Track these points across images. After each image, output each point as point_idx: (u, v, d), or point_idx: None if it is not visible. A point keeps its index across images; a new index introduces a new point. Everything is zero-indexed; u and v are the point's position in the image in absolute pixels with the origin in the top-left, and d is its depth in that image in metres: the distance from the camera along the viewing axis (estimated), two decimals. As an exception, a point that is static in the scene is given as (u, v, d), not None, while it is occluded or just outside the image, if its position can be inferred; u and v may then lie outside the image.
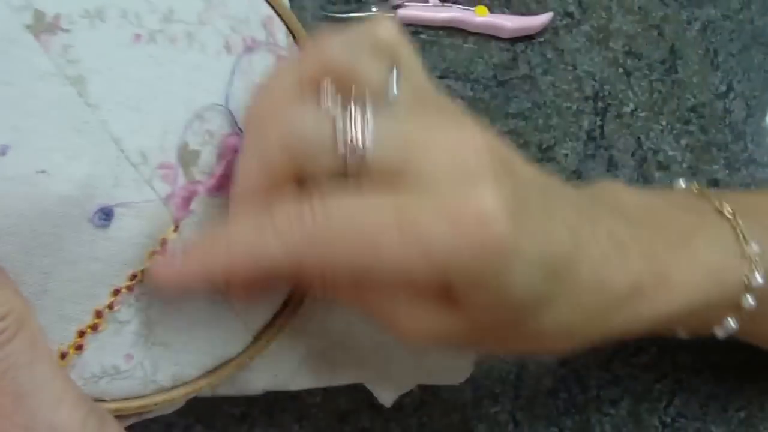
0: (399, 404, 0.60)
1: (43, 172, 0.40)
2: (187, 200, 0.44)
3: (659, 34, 0.68)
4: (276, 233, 0.40)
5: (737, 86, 0.68)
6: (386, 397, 0.55)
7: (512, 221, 0.39)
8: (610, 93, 0.67)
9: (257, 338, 0.47)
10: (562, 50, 0.67)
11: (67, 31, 0.41)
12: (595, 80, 0.67)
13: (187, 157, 0.44)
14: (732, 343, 0.60)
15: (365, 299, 0.43)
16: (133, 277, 0.43)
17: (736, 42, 0.69)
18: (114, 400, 0.44)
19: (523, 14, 0.67)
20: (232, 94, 0.45)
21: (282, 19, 0.48)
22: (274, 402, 0.60)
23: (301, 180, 0.42)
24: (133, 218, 0.42)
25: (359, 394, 0.56)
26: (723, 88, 0.68)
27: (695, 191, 0.54)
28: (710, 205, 0.52)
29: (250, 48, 0.46)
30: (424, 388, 0.59)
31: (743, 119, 0.68)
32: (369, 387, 0.54)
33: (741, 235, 0.50)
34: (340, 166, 0.41)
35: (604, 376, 0.64)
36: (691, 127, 0.67)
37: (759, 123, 0.68)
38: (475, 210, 0.39)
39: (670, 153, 0.67)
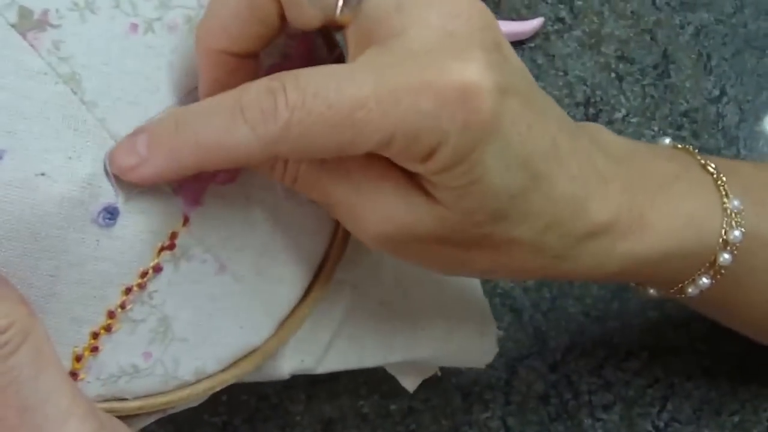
0: (386, 411, 0.61)
1: (42, 174, 0.39)
2: (198, 191, 0.43)
3: (652, 38, 0.68)
4: (248, 126, 0.37)
5: (730, 91, 0.68)
6: (409, 382, 0.54)
7: (498, 100, 0.37)
8: (601, 98, 0.67)
9: (281, 326, 0.46)
10: (553, 56, 0.67)
11: (56, 26, 0.40)
12: (587, 85, 0.67)
13: None
14: (725, 347, 0.62)
15: (330, 189, 0.41)
16: (144, 274, 0.42)
17: (729, 46, 0.69)
18: (136, 398, 0.43)
19: (513, 19, 0.66)
20: None
21: None
22: (256, 411, 0.60)
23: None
24: (140, 214, 0.41)
25: (344, 401, 0.56)
26: (716, 92, 0.68)
27: (679, 147, 0.52)
28: (694, 160, 0.50)
29: None
30: (411, 396, 0.58)
31: (736, 124, 0.67)
32: (391, 372, 0.53)
33: (723, 190, 0.48)
34: (330, 8, 0.38)
35: (596, 382, 0.64)
36: (684, 133, 0.67)
37: (752, 128, 0.67)
38: (462, 83, 0.37)
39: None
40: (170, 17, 0.42)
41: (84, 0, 0.41)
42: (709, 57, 0.68)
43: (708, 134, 0.67)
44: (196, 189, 0.42)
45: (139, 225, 0.41)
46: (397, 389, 0.55)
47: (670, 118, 0.66)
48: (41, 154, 0.39)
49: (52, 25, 0.40)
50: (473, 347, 0.54)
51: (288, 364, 0.48)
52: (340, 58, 0.44)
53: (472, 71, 0.37)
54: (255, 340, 0.45)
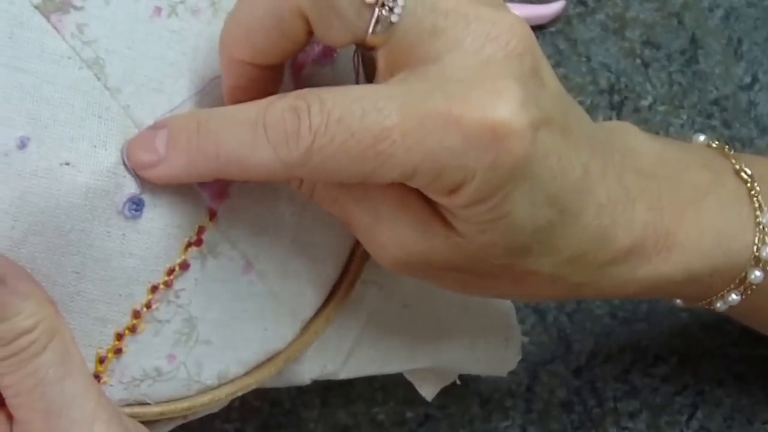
0: (402, 418, 0.61)
1: (67, 164, 0.39)
2: (224, 184, 0.42)
3: (679, 22, 0.66)
4: (271, 146, 0.37)
5: (763, 77, 0.66)
6: (427, 390, 0.54)
7: (530, 139, 0.36)
8: (626, 86, 0.65)
9: (305, 329, 0.45)
10: (575, 40, 0.65)
11: (79, 9, 0.39)
12: (611, 72, 0.65)
13: None
14: (758, 352, 0.61)
15: (347, 208, 0.41)
16: (171, 271, 0.41)
17: (761, 30, 0.67)
18: (158, 403, 0.43)
19: (533, 3, 0.65)
20: None
21: None
22: (270, 417, 0.59)
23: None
24: (165, 207, 0.41)
25: (359, 407, 0.55)
26: (747, 79, 0.66)
27: (714, 147, 0.51)
28: (729, 165, 0.49)
29: None
30: (428, 403, 0.58)
31: None
32: (410, 379, 0.53)
33: (757, 202, 0.47)
34: (361, 29, 0.37)
35: (622, 388, 0.63)
36: (714, 122, 0.65)
37: None
38: (492, 122, 0.36)
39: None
40: (194, 0, 0.42)
41: None
42: (739, 42, 0.66)
43: (740, 123, 0.65)
44: (221, 182, 0.42)
45: (165, 218, 0.41)
46: (413, 396, 0.54)
47: (699, 107, 0.65)
48: (66, 142, 0.39)
49: (75, 7, 0.39)
50: (497, 355, 0.53)
51: (310, 369, 0.47)
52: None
53: (505, 109, 0.36)
54: (279, 343, 0.45)
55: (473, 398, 0.61)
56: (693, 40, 0.66)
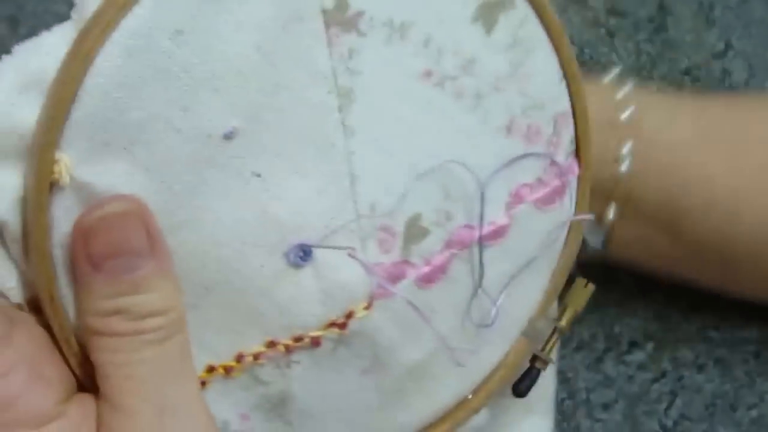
0: None
1: (258, 176, 0.38)
2: (394, 279, 0.40)
3: (646, -12, 0.64)
4: None
5: (737, 44, 0.64)
6: None
7: None
8: (591, 57, 0.63)
9: None
10: None
11: (362, 35, 0.38)
12: (574, 43, 0.63)
13: (414, 231, 0.41)
14: (739, 334, 0.60)
15: None
16: (299, 339, 0.39)
17: (735, -6, 0.65)
18: None
19: None
20: (492, 183, 0.42)
21: (575, 122, 0.44)
22: None
23: None
24: (329, 271, 0.39)
25: None
26: (720, 46, 0.64)
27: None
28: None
29: (530, 139, 0.43)
30: None
31: (744, 80, 0.64)
32: None
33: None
34: None
35: (594, 378, 0.61)
36: (686, 91, 0.63)
37: (762, 84, 0.64)
38: None
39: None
40: (464, 83, 0.41)
41: (401, 22, 0.39)
42: (711, 7, 0.64)
43: (713, 93, 0.63)
44: (394, 275, 0.40)
45: (323, 281, 0.39)
46: None
47: (669, 77, 0.63)
48: (269, 155, 0.38)
49: (359, 32, 0.38)
50: None
51: None
52: None
53: None
54: None
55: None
56: (661, 7, 0.64)
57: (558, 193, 0.44)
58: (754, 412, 0.61)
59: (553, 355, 0.46)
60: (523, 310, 0.45)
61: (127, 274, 0.36)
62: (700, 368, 0.61)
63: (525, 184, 0.43)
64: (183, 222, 0.37)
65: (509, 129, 0.42)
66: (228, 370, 0.39)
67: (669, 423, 0.60)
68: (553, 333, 0.46)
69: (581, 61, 0.62)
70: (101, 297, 0.36)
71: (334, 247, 0.39)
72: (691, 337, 0.61)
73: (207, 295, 0.38)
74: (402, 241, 0.40)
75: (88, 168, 0.36)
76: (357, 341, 0.40)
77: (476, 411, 0.45)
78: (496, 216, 0.42)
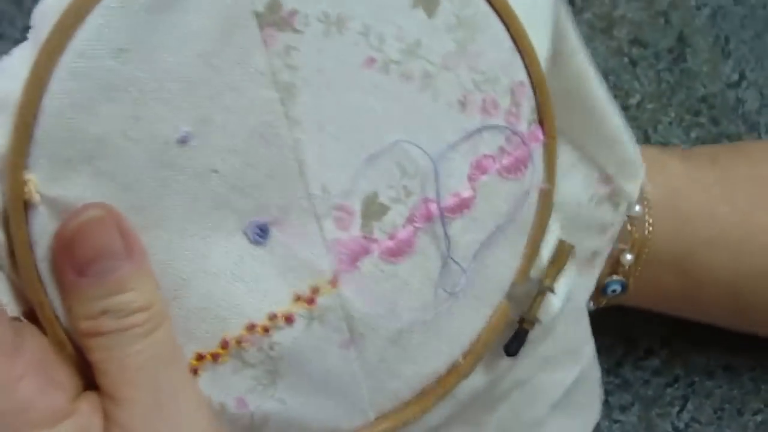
0: None
1: (216, 171, 0.39)
2: (356, 255, 0.41)
3: (666, 21, 0.65)
4: None
5: (750, 75, 0.66)
6: None
7: None
8: (614, 84, 0.65)
9: (379, 420, 0.44)
10: None
11: (298, 32, 0.39)
12: (599, 71, 0.63)
13: (372, 208, 0.41)
14: (747, 343, 0.60)
15: None
16: (273, 317, 0.40)
17: (749, 29, 0.66)
18: None
19: None
20: (447, 158, 0.42)
21: (534, 91, 0.44)
22: None
23: None
24: (287, 247, 0.40)
25: None
26: (735, 77, 0.66)
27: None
28: None
29: (487, 112, 0.43)
30: None
31: (757, 109, 0.65)
32: None
33: None
34: None
35: (613, 381, 0.62)
36: (702, 119, 0.65)
37: None
38: None
39: (680, 146, 0.65)
40: (409, 66, 0.41)
41: (337, 15, 0.40)
42: (727, 40, 0.66)
43: (727, 120, 0.65)
44: (355, 251, 0.41)
45: (282, 256, 0.40)
46: None
47: (687, 104, 0.65)
48: (223, 152, 0.39)
49: (294, 30, 0.39)
50: None
51: None
52: None
53: None
54: (344, 424, 0.44)
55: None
56: (680, 39, 0.65)
57: (523, 161, 0.44)
58: (759, 417, 0.62)
59: (542, 314, 0.46)
60: (502, 275, 0.45)
61: (110, 275, 0.37)
62: (710, 374, 0.62)
63: (487, 155, 0.43)
64: (152, 221, 0.38)
65: (463, 104, 0.42)
66: (215, 356, 0.40)
67: (681, 425, 0.62)
68: (538, 293, 0.45)
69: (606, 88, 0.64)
70: (89, 300, 0.37)
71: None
72: (702, 344, 0.62)
73: (185, 286, 0.39)
74: (361, 219, 0.41)
75: (55, 184, 0.37)
76: (330, 316, 0.41)
77: (466, 375, 0.45)
78: (459, 188, 0.42)
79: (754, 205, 0.53)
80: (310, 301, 0.41)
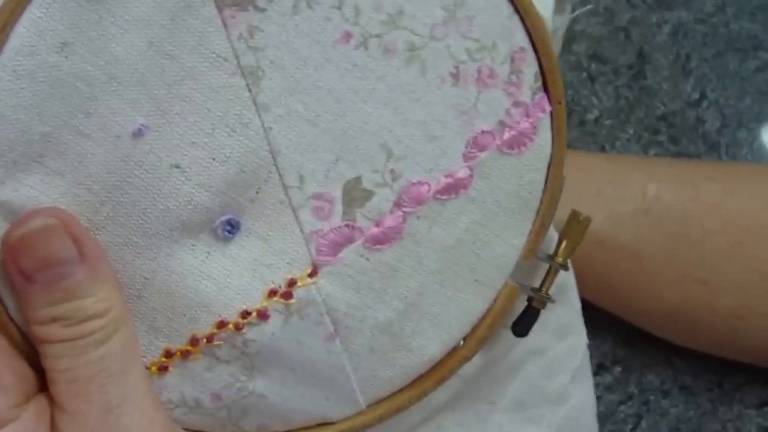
0: None
1: (177, 167, 0.37)
2: (337, 245, 0.39)
3: (626, 37, 0.66)
4: None
5: (711, 95, 0.66)
6: None
7: None
8: (572, 99, 0.65)
9: (370, 409, 0.43)
10: None
11: (261, 10, 0.37)
12: None
13: (354, 194, 0.39)
14: (705, 364, 0.60)
15: None
16: (246, 314, 0.39)
17: (710, 47, 0.66)
18: (187, 430, 0.41)
19: None
20: (438, 137, 0.40)
21: (537, 55, 0.41)
22: None
23: None
24: (261, 241, 0.39)
25: None
26: (696, 96, 0.66)
27: None
28: None
29: (483, 83, 0.40)
30: None
31: (717, 129, 0.65)
32: None
33: None
34: None
35: None
36: (660, 137, 0.65)
37: (734, 134, 0.65)
38: None
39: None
40: (392, 38, 0.39)
41: None
42: (688, 58, 0.66)
43: (687, 139, 0.65)
44: (336, 241, 0.40)
45: (256, 251, 0.39)
46: None
47: (646, 122, 0.65)
48: (185, 145, 0.37)
49: (257, 8, 0.37)
50: None
51: None
52: None
53: None
54: (334, 414, 0.42)
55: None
56: (640, 55, 0.65)
57: (527, 134, 0.41)
58: (716, 439, 0.61)
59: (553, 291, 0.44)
60: (505, 255, 0.43)
61: (60, 282, 0.36)
62: (666, 393, 0.62)
63: (485, 131, 0.41)
64: (108, 218, 0.37)
65: (456, 77, 0.40)
66: (185, 354, 0.39)
67: (635, 444, 0.61)
68: (549, 270, 0.43)
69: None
70: (39, 307, 0.36)
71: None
72: (657, 363, 0.62)
73: (148, 284, 0.38)
74: (342, 206, 0.39)
75: (3, 187, 0.36)
76: (310, 310, 0.40)
77: (468, 359, 0.43)
78: (453, 168, 0.40)
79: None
80: (287, 295, 0.39)
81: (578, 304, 0.49)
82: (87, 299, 0.36)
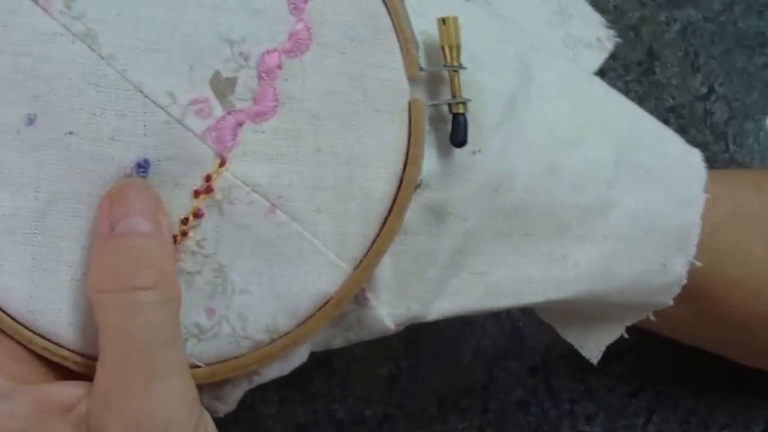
0: (361, 417, 0.60)
1: (70, 133, 0.40)
2: (232, 131, 0.42)
3: (636, 35, 0.66)
4: None
5: (719, 89, 0.66)
6: (591, 349, 0.51)
7: None
8: None
9: (358, 267, 0.43)
10: None
11: None
12: None
13: (221, 86, 0.42)
14: (714, 356, 0.59)
15: None
16: (185, 221, 0.42)
17: (718, 45, 0.67)
18: (208, 365, 0.42)
19: None
20: (263, 11, 0.42)
21: None
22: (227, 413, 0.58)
23: None
24: (170, 162, 0.41)
25: (318, 404, 0.54)
26: (704, 90, 0.66)
27: None
28: None
29: None
30: (386, 402, 0.58)
31: (725, 121, 0.66)
32: (567, 338, 0.51)
33: None
34: None
35: (578, 388, 0.62)
36: (670, 128, 0.63)
37: (741, 125, 0.66)
38: None
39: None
40: None
41: None
42: (696, 55, 0.67)
43: (696, 129, 0.65)
44: (227, 129, 0.42)
45: (171, 173, 0.41)
46: (372, 393, 0.55)
47: (656, 113, 0.62)
48: (67, 113, 0.40)
49: None
50: (649, 279, 0.49)
51: (389, 313, 0.45)
52: None
53: None
54: (327, 286, 0.43)
55: (431, 398, 0.61)
56: (650, 53, 0.66)
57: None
58: (726, 432, 0.62)
59: (468, 93, 0.43)
60: (391, 78, 0.43)
61: (134, 239, 0.39)
62: (677, 385, 0.62)
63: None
64: (47, 201, 0.40)
65: None
66: None
67: (646, 437, 0.61)
68: (451, 76, 0.43)
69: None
70: (109, 256, 0.39)
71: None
72: (669, 353, 0.62)
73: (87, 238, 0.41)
74: (217, 100, 0.41)
75: None
76: (235, 193, 0.42)
77: (420, 184, 0.44)
78: (288, 28, 0.42)
79: None
80: (208, 189, 0.41)
81: (578, 115, 0.49)
82: (152, 268, 0.38)
